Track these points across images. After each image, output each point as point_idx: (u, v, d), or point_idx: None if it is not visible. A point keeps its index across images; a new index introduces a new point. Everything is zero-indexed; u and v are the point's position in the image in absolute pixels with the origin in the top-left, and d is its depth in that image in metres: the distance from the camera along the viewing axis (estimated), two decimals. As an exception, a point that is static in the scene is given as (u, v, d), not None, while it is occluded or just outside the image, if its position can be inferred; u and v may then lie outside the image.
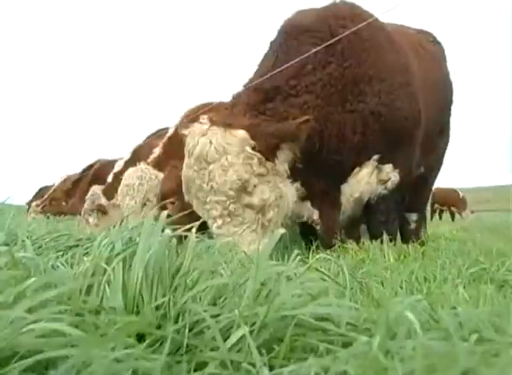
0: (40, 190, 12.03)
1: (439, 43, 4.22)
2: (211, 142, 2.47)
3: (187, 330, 0.77)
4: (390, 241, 3.11)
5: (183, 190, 2.66)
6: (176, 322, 0.82)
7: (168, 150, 4.95)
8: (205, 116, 2.61)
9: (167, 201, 4.14)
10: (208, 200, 2.53)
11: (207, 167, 2.48)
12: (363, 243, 3.00)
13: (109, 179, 6.68)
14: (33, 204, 10.44)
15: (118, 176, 6.67)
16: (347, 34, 2.86)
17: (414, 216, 4.10)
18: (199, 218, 3.97)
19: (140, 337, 0.79)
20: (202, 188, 2.52)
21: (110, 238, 0.97)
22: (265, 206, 2.57)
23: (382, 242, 3.10)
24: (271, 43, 3.06)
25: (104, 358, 0.61)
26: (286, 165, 2.68)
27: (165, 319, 0.83)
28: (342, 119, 2.86)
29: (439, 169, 4.32)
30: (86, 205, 6.40)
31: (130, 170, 5.22)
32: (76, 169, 10.97)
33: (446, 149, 4.26)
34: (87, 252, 1.52)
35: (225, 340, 0.75)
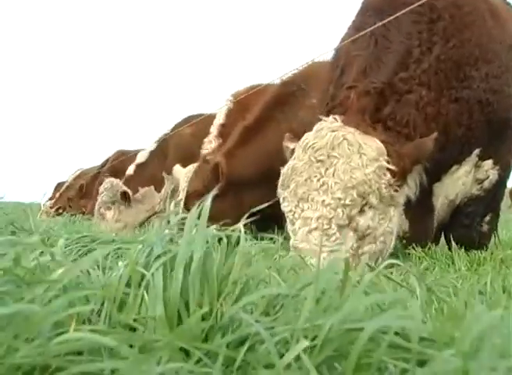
0: (59, 185, 12.22)
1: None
2: (345, 138, 2.34)
3: (239, 344, 0.77)
4: (465, 248, 3.05)
5: (279, 184, 2.49)
6: (224, 335, 0.83)
7: (227, 137, 4.75)
8: (335, 116, 2.49)
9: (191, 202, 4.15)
10: (309, 198, 2.32)
11: (328, 160, 2.33)
12: (429, 248, 2.95)
13: (130, 171, 6.71)
14: (48, 203, 10.69)
15: (141, 168, 6.72)
16: (448, 7, 2.74)
17: (487, 217, 3.98)
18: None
19: (185, 351, 0.80)
20: (308, 183, 2.33)
21: (149, 239, 0.98)
22: (366, 237, 2.38)
23: (449, 248, 3.03)
24: (351, 28, 2.96)
25: (151, 373, 0.63)
26: (406, 197, 2.54)
27: (213, 331, 0.84)
28: (447, 110, 2.76)
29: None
30: (103, 198, 6.44)
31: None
32: (92, 162, 11.13)
33: None
34: (118, 256, 1.56)
35: (281, 356, 0.75)
